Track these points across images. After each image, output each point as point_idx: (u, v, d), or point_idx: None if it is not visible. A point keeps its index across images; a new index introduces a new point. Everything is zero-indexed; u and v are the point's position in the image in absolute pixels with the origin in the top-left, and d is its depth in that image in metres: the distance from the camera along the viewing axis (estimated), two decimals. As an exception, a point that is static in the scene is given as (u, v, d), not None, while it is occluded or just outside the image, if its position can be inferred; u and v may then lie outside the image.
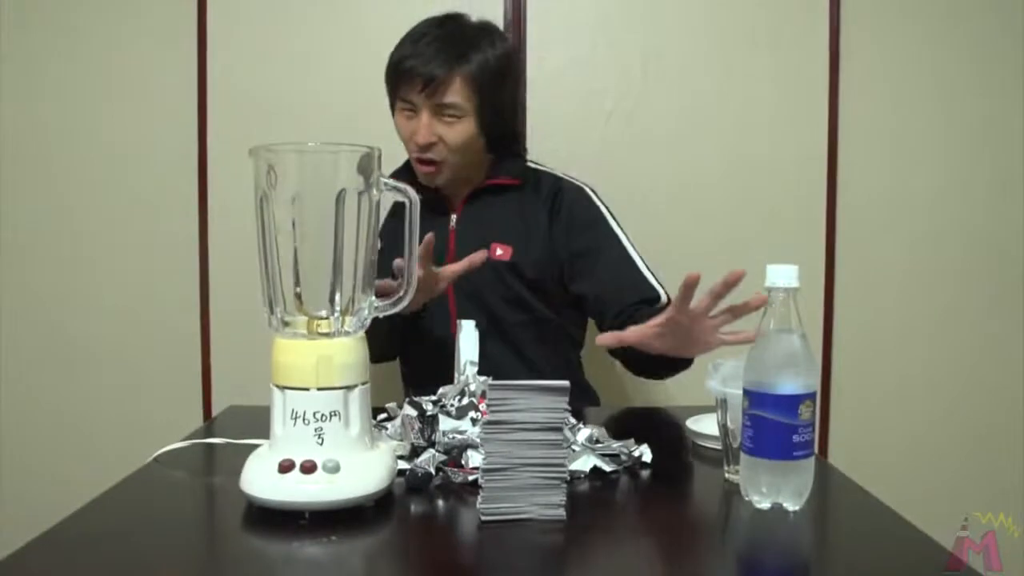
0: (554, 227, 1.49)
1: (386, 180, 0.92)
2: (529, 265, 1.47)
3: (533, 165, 1.57)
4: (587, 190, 1.54)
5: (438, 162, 1.43)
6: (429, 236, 1.19)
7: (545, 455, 0.84)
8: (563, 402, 0.84)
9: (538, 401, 0.83)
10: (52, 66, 1.94)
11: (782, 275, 0.87)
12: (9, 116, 1.95)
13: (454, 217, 1.51)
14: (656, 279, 1.45)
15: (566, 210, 1.50)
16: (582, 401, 1.56)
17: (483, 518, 0.84)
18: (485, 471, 0.84)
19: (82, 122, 1.95)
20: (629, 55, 1.90)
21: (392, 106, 1.47)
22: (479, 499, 0.84)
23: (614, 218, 1.52)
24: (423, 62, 1.38)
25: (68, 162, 1.96)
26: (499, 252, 1.47)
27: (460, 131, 1.41)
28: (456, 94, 1.39)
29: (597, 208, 1.52)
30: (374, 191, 0.91)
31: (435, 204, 1.49)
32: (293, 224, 0.89)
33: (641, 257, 1.48)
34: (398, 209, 1.39)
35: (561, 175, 1.56)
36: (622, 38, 1.90)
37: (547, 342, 1.52)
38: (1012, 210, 1.96)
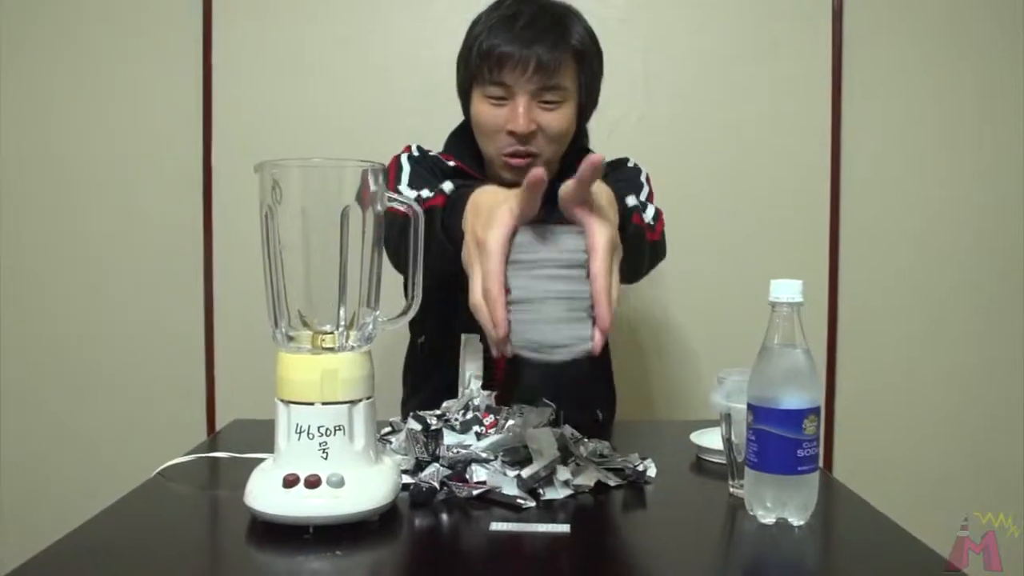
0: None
1: (391, 195, 0.92)
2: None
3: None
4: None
5: (535, 154, 1.29)
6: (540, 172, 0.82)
7: (570, 289, 0.80)
8: (582, 242, 0.81)
9: (559, 241, 0.81)
10: (56, 82, 1.95)
11: (786, 290, 0.87)
12: (14, 131, 1.96)
13: None
14: (648, 205, 1.30)
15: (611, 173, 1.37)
16: (607, 404, 1.54)
17: (514, 349, 0.80)
18: (512, 302, 0.79)
19: (86, 137, 1.96)
20: (632, 68, 1.91)
21: (467, 96, 1.35)
22: (511, 331, 0.79)
23: (649, 182, 1.40)
24: (526, 44, 1.25)
25: (73, 177, 1.97)
26: None
27: (561, 117, 1.29)
28: (565, 75, 1.28)
29: (638, 167, 1.43)
30: (379, 206, 0.91)
31: None
32: (298, 239, 0.90)
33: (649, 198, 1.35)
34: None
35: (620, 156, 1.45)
36: (625, 52, 1.91)
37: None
38: (1016, 223, 1.96)
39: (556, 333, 0.79)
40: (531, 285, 0.80)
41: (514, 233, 0.81)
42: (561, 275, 0.80)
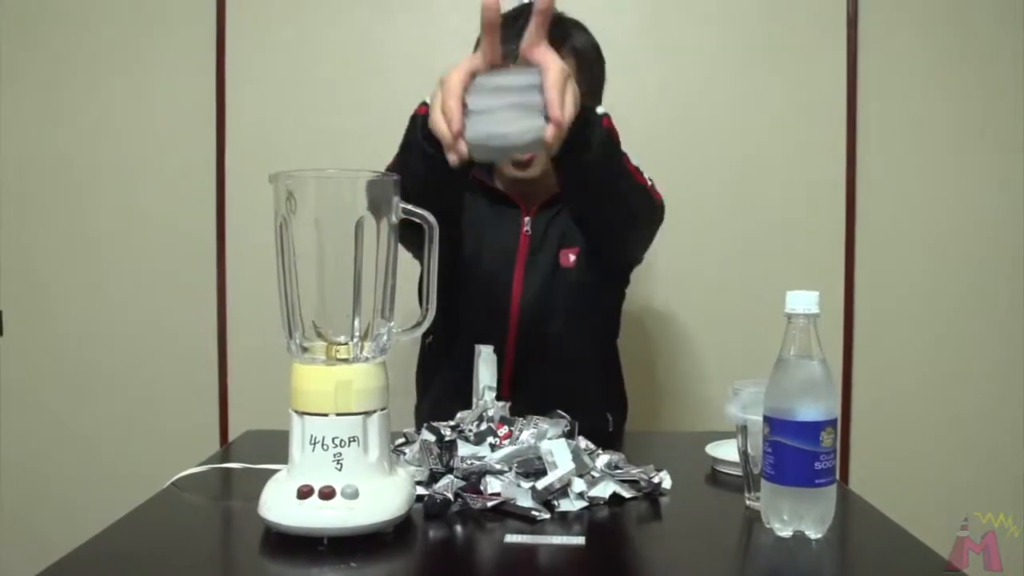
0: None
1: (405, 206, 0.92)
2: (595, 267, 1.41)
3: None
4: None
5: None
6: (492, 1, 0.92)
7: (524, 100, 0.87)
8: (538, 75, 0.88)
9: (516, 72, 0.90)
10: (69, 87, 1.97)
11: (802, 301, 0.86)
12: (25, 136, 1.98)
13: (527, 220, 1.43)
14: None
15: None
16: (617, 407, 1.54)
17: (469, 145, 0.87)
18: (470, 114, 0.87)
19: (99, 142, 1.97)
20: (643, 75, 1.91)
21: None
22: (467, 131, 0.87)
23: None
24: None
25: (85, 183, 1.98)
26: (572, 258, 1.42)
27: None
28: None
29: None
30: (392, 217, 0.92)
31: (508, 204, 1.43)
32: (312, 250, 0.90)
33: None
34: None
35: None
36: (636, 59, 1.91)
37: (599, 355, 1.51)
38: (1033, 233, 1.94)
39: (510, 125, 0.86)
40: (488, 101, 0.87)
41: (474, 77, 0.90)
42: (517, 92, 0.87)
